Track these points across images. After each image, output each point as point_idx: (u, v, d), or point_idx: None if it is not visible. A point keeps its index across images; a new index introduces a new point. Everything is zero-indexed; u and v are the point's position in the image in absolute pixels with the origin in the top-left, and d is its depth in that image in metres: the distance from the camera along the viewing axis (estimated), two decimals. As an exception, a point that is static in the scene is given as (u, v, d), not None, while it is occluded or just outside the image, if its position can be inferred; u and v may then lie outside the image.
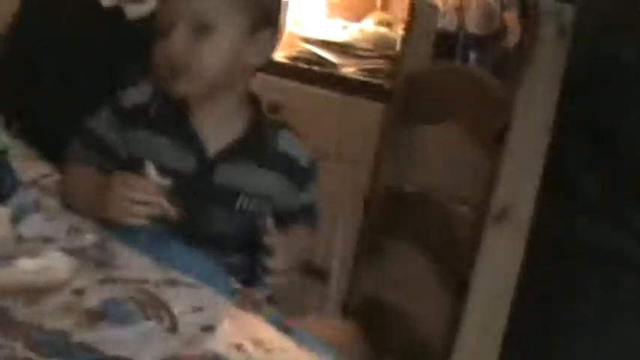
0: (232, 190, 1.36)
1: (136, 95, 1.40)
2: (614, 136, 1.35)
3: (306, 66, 2.82)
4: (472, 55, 2.50)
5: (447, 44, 2.45)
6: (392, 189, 1.55)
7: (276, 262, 1.32)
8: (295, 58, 2.91)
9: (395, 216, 1.53)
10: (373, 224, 1.58)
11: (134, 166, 1.30)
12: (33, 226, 1.23)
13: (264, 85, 2.80)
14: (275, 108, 2.80)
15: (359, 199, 1.63)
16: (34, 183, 1.41)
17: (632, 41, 1.32)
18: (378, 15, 3.23)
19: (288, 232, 1.38)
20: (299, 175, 1.42)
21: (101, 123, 1.40)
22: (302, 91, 2.77)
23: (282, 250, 1.32)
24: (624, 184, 1.36)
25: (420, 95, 1.53)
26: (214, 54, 1.32)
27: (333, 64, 2.71)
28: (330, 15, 3.31)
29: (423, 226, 1.43)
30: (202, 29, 1.31)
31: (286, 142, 1.42)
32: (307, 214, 1.46)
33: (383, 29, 2.95)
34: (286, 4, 1.45)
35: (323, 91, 2.68)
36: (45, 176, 1.46)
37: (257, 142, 1.38)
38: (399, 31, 2.84)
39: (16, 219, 1.22)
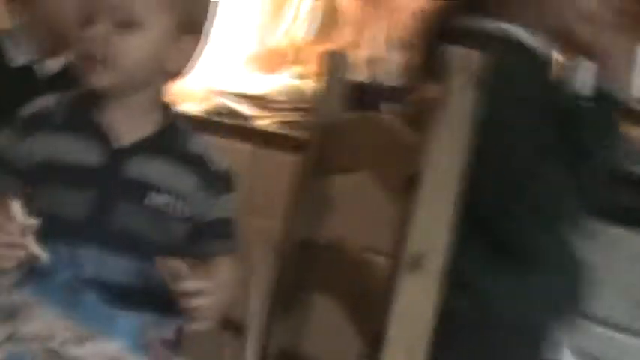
0: (142, 184, 1.32)
1: (39, 103, 1.38)
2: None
3: (218, 119, 2.81)
4: (385, 106, 2.51)
5: (361, 96, 2.45)
6: (305, 241, 1.54)
7: (199, 301, 1.24)
8: (209, 112, 2.90)
9: (309, 268, 1.51)
10: (287, 277, 1.56)
11: (40, 173, 1.31)
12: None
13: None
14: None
15: (272, 252, 1.62)
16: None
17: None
18: (292, 68, 3.26)
19: (208, 264, 1.32)
20: (214, 179, 1.38)
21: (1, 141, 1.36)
22: (214, 144, 2.74)
23: (207, 287, 1.26)
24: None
25: (333, 145, 1.53)
26: (136, 49, 1.30)
27: (247, 117, 2.70)
28: (246, 68, 3.33)
29: (338, 277, 1.43)
30: (126, 23, 1.29)
31: (201, 146, 1.40)
32: (225, 229, 1.40)
33: (297, 81, 2.96)
34: (213, 17, 1.41)
35: (235, 144, 2.66)
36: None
37: (170, 140, 1.37)
38: (312, 84, 2.86)
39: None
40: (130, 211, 1.31)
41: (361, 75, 2.82)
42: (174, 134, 1.38)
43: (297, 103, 2.70)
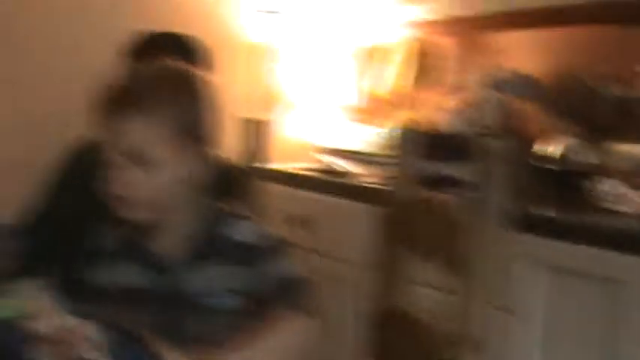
0: (195, 294, 1.42)
1: (96, 237, 1.52)
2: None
3: (330, 178, 2.89)
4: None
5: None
6: (387, 308, 1.60)
7: None
8: (320, 171, 2.99)
9: (388, 335, 1.58)
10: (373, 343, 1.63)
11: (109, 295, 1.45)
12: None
13: (292, 199, 2.91)
14: (305, 221, 2.88)
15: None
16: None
17: None
18: (402, 115, 3.31)
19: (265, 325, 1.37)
20: (259, 256, 1.44)
21: (99, 272, 1.49)
22: (328, 202, 2.83)
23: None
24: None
25: (405, 220, 1.58)
26: (153, 185, 1.40)
27: (351, 174, 2.77)
28: (354, 121, 3.40)
29: (410, 344, 1.48)
30: (141, 162, 1.39)
31: (241, 231, 1.47)
32: (285, 290, 1.43)
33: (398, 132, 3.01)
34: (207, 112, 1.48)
35: (347, 202, 2.74)
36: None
37: (212, 241, 1.45)
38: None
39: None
40: (191, 321, 1.43)
41: (460, 118, 2.87)
42: (215, 234, 1.46)
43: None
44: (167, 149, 1.40)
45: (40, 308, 1.60)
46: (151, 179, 1.40)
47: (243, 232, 1.47)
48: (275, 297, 1.41)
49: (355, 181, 2.77)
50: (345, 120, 3.46)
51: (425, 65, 3.21)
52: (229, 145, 2.16)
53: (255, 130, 2.12)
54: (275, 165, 2.49)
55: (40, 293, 1.80)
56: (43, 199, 2.18)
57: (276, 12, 3.33)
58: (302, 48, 3.40)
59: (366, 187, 2.70)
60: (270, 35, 3.34)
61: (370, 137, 3.08)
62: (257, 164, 2.13)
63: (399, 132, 1.66)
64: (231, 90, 3.23)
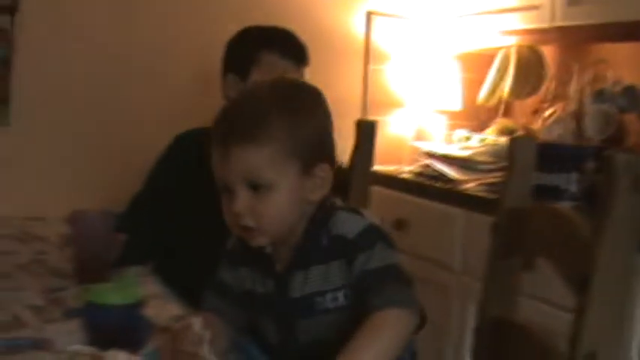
0: (307, 298, 1.43)
1: (230, 240, 1.53)
2: None
3: (428, 182, 2.92)
4: (590, 164, 2.52)
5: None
6: (498, 320, 1.62)
7: None
8: (419, 174, 3.02)
9: (501, 346, 1.59)
10: (481, 353, 1.65)
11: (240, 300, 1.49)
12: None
13: (390, 201, 2.94)
14: (400, 224, 2.91)
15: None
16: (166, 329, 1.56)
17: None
18: (500, 122, 3.32)
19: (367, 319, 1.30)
20: (356, 247, 1.39)
21: (225, 270, 1.53)
22: (426, 206, 2.86)
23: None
24: None
25: (519, 230, 1.60)
26: (274, 210, 1.38)
27: (454, 180, 2.79)
28: (453, 126, 3.43)
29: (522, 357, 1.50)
30: (259, 187, 1.37)
31: (339, 224, 1.42)
32: (389, 283, 1.36)
33: (503, 139, 3.02)
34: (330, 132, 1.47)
35: (446, 207, 2.77)
36: (178, 318, 1.61)
37: (316, 240, 1.43)
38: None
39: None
40: (306, 326, 1.44)
41: (559, 127, 2.86)
42: (319, 232, 1.43)
43: (502, 162, 2.75)
44: (285, 170, 1.37)
45: (153, 295, 1.68)
46: (269, 204, 1.38)
47: (348, 226, 1.42)
48: (379, 290, 1.34)
49: (454, 187, 2.79)
50: (445, 124, 3.49)
51: (525, 73, 3.21)
52: (348, 147, 2.20)
53: (366, 132, 2.15)
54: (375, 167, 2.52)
55: (150, 279, 1.89)
56: (150, 187, 2.27)
57: (386, 14, 3.39)
58: (407, 50, 3.44)
59: (464, 193, 2.73)
60: (378, 37, 3.39)
61: (469, 143, 3.10)
62: (366, 166, 2.15)
63: (512, 141, 1.66)
64: (342, 91, 3.31)
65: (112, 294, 1.43)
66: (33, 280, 1.87)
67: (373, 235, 1.40)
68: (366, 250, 1.38)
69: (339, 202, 1.49)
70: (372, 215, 1.48)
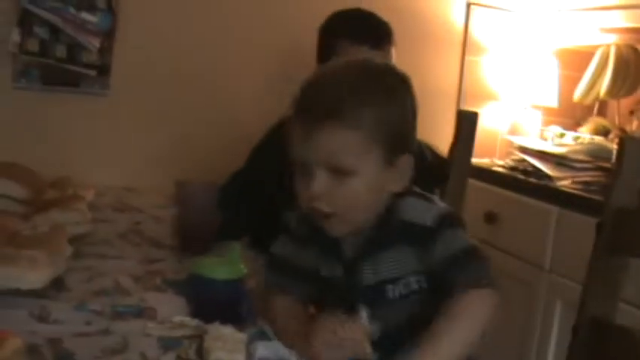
0: (378, 285, 1.37)
1: (292, 219, 1.47)
2: None
3: (522, 177, 2.89)
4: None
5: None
6: (598, 320, 1.60)
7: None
8: (512, 168, 2.99)
9: (600, 348, 1.58)
10: (578, 354, 1.63)
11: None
12: (269, 351, 1.31)
13: (480, 193, 2.93)
14: (491, 217, 2.89)
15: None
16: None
17: None
18: (594, 121, 3.27)
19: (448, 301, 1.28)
20: (428, 233, 1.33)
21: (287, 247, 1.48)
22: (518, 200, 2.84)
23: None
24: None
25: (627, 229, 1.58)
26: (352, 197, 1.33)
27: (549, 176, 2.76)
28: (547, 122, 3.39)
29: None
30: (339, 171, 1.31)
31: (408, 210, 1.36)
32: (457, 263, 1.31)
33: (599, 138, 2.98)
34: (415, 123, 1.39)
35: (539, 203, 2.74)
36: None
37: (387, 227, 1.37)
38: (615, 139, 2.87)
39: (252, 344, 1.32)
40: (380, 313, 1.37)
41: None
42: (389, 219, 1.37)
43: (598, 161, 2.72)
44: (368, 158, 1.32)
45: (254, 269, 1.69)
46: (348, 190, 1.32)
47: (406, 210, 1.36)
48: (461, 272, 1.30)
49: (548, 183, 2.76)
50: (540, 120, 3.45)
51: (623, 72, 3.15)
52: (442, 137, 2.19)
53: (467, 123, 2.14)
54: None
55: (250, 254, 1.90)
56: (251, 167, 2.29)
57: (486, 5, 3.36)
58: (505, 43, 3.42)
59: (559, 190, 2.69)
60: (477, 28, 3.37)
61: (563, 140, 3.06)
62: (466, 158, 2.14)
63: (623, 140, 1.64)
64: (439, 81, 3.30)
65: (219, 268, 1.45)
66: (132, 250, 1.91)
67: (447, 221, 1.34)
68: (443, 236, 1.33)
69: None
70: (440, 200, 1.42)
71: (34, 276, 1.46)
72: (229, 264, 1.46)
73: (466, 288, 1.28)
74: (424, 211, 1.35)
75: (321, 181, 1.32)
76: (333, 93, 1.31)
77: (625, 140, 1.65)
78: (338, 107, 1.29)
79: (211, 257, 1.52)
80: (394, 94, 1.36)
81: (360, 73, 1.36)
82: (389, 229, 1.37)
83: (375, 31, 2.24)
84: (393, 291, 1.37)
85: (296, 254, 1.46)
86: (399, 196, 1.38)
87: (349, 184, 1.32)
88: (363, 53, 2.16)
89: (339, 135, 1.29)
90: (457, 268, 1.31)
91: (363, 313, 1.34)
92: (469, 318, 1.27)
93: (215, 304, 1.42)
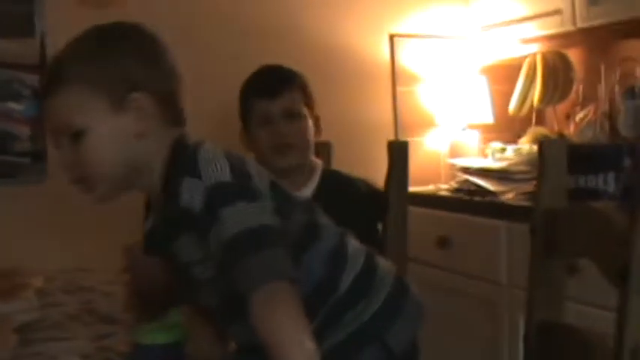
0: (181, 264, 1.41)
1: None
2: None
3: (467, 197, 2.92)
4: (627, 162, 2.49)
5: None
6: (546, 323, 1.61)
7: None
8: (456, 190, 3.02)
9: (550, 349, 1.59)
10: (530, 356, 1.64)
11: None
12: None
13: (429, 219, 2.94)
14: (443, 242, 2.91)
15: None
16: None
17: None
18: (533, 131, 3.31)
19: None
20: (199, 217, 1.29)
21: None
22: (466, 221, 2.86)
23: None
24: None
25: (557, 231, 1.59)
26: (95, 154, 1.34)
27: (492, 192, 2.79)
28: (488, 139, 3.43)
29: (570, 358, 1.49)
30: (76, 135, 1.34)
31: (186, 195, 1.31)
32: (241, 247, 1.25)
33: (535, 147, 3.01)
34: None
35: (487, 220, 2.76)
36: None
37: (167, 219, 1.39)
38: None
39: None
40: (203, 290, 1.44)
41: (592, 129, 2.85)
42: (170, 205, 1.34)
43: (536, 170, 2.74)
44: (91, 111, 1.35)
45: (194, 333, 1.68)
46: (88, 150, 1.35)
47: (192, 194, 1.29)
48: (240, 271, 1.24)
49: (493, 199, 2.79)
50: (479, 138, 3.49)
51: (553, 79, 3.20)
52: (382, 170, 2.21)
53: (398, 152, 2.16)
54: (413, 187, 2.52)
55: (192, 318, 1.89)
56: None
57: (408, 35, 3.42)
58: (433, 69, 3.47)
59: (504, 204, 2.72)
60: (403, 58, 3.42)
61: (505, 155, 3.09)
62: (402, 186, 2.16)
63: (542, 144, 1.66)
64: (373, 115, 3.33)
65: (157, 334, 1.44)
66: (83, 329, 1.89)
67: (216, 200, 1.27)
68: (213, 220, 1.27)
69: (190, 139, 1.40)
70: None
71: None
72: (168, 328, 1.46)
73: (251, 292, 1.22)
74: (194, 190, 1.29)
75: (64, 151, 1.37)
76: (53, 62, 1.40)
77: (543, 144, 1.67)
78: (55, 72, 1.37)
79: (152, 323, 1.52)
80: (105, 43, 1.40)
81: (80, 38, 1.41)
82: (169, 210, 1.36)
83: (270, 83, 2.29)
84: (198, 275, 1.40)
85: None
86: (189, 155, 1.34)
87: (88, 144, 1.35)
88: (267, 106, 2.24)
89: (59, 98, 1.35)
90: (235, 264, 1.24)
91: None
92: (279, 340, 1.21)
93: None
